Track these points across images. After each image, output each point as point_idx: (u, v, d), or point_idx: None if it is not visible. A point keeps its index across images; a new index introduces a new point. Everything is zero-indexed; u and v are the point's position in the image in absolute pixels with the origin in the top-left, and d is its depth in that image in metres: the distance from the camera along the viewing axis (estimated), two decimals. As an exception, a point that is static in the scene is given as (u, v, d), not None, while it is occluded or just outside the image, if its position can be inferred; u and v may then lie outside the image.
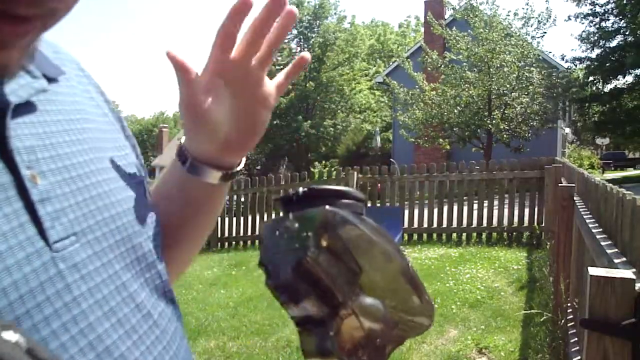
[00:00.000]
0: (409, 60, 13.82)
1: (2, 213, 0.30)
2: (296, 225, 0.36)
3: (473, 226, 5.83)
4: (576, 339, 2.12)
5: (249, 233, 6.93)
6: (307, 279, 0.34)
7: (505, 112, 12.63)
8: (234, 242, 6.99)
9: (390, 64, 22.11)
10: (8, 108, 0.33)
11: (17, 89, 0.35)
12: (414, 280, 0.38)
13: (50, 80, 0.39)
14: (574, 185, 3.09)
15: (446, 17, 16.59)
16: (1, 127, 0.32)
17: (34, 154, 0.34)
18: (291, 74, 0.51)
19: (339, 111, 24.90)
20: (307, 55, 0.50)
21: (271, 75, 0.49)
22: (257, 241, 6.83)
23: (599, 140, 23.86)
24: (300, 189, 0.37)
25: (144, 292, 0.40)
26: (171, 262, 0.48)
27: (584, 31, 17.48)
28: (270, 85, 0.49)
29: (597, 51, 17.07)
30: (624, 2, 15.76)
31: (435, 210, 5.97)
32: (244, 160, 0.54)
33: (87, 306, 0.34)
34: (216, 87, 0.46)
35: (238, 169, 0.53)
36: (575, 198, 2.82)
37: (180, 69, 0.45)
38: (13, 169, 0.32)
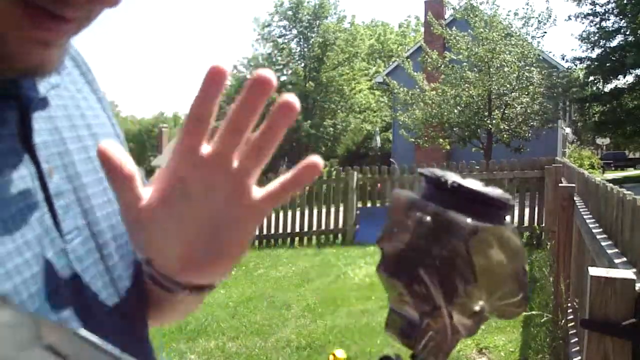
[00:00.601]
0: (409, 60, 13.82)
1: (26, 203, 0.32)
2: (434, 223, 0.34)
3: (473, 226, 5.82)
4: (576, 339, 2.12)
5: (249, 233, 6.93)
6: (420, 281, 0.34)
7: (506, 112, 12.64)
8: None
9: (390, 63, 22.10)
10: (32, 103, 0.35)
11: (37, 84, 0.36)
12: (523, 283, 0.37)
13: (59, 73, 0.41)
14: (574, 185, 3.09)
15: (446, 17, 16.59)
16: (27, 121, 0.34)
17: (49, 149, 0.36)
18: (288, 186, 0.37)
19: (338, 111, 24.91)
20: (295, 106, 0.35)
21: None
22: (256, 241, 6.83)
23: (599, 140, 23.87)
24: (450, 180, 0.34)
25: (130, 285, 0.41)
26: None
27: (584, 31, 17.49)
28: (258, 194, 0.37)
29: (597, 51, 17.08)
30: (625, 1, 15.77)
31: (436, 210, 5.96)
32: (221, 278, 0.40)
33: (88, 297, 0.36)
34: (174, 188, 0.34)
35: (213, 284, 0.40)
36: (575, 198, 2.82)
37: (115, 173, 0.34)
38: (35, 161, 0.34)
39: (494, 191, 0.34)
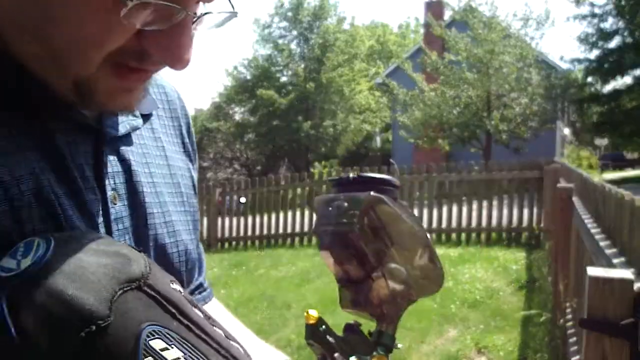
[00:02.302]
0: (408, 61, 13.83)
1: (93, 224, 0.39)
2: (346, 204, 0.44)
3: (472, 226, 5.84)
4: (575, 339, 2.13)
5: (249, 233, 6.93)
6: (351, 247, 0.44)
7: (504, 112, 12.65)
8: (234, 242, 6.99)
9: (390, 64, 22.10)
10: (107, 138, 0.42)
11: (117, 124, 0.44)
12: (431, 251, 0.49)
13: (145, 116, 0.48)
14: (572, 185, 3.10)
15: (446, 18, 16.60)
16: (100, 153, 0.41)
17: (118, 178, 0.43)
18: None
19: (338, 112, 24.89)
20: None
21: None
22: (257, 241, 6.83)
23: (597, 141, 23.87)
24: (351, 175, 0.47)
25: None
26: None
27: (582, 32, 17.53)
28: None
29: (595, 52, 17.09)
30: (623, 3, 15.79)
31: (435, 211, 5.98)
32: None
33: None
34: None
35: None
36: (574, 198, 2.83)
37: None
38: (102, 188, 0.41)
39: (385, 175, 0.47)
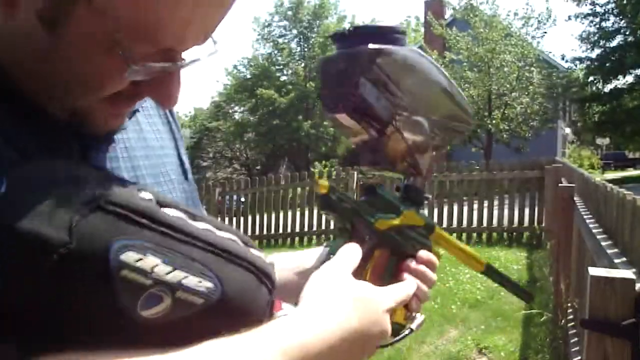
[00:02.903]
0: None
1: None
2: (344, 63, 0.41)
3: (473, 226, 5.83)
4: (576, 339, 2.12)
5: (249, 233, 6.93)
6: (358, 107, 0.41)
7: (505, 112, 12.64)
8: (234, 242, 6.98)
9: (390, 64, 21.98)
10: (94, 138, 0.42)
11: None
12: (452, 93, 0.45)
13: (132, 114, 0.48)
14: (574, 185, 3.09)
15: (446, 17, 16.59)
16: (87, 152, 0.42)
17: None
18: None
19: (339, 111, 24.87)
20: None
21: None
22: (257, 241, 6.82)
23: (599, 141, 23.85)
24: (347, 27, 0.43)
25: None
26: None
27: (584, 31, 17.49)
28: None
29: (597, 51, 17.07)
30: (624, 2, 15.76)
31: (435, 210, 5.97)
32: None
33: None
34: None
35: None
36: (575, 198, 2.82)
37: None
38: None
39: (385, 22, 0.42)
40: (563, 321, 2.56)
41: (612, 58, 16.52)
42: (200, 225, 0.34)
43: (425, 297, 0.49)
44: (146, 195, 0.33)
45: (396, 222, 0.46)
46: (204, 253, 0.33)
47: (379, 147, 0.44)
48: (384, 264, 0.46)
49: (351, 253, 0.44)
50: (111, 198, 0.30)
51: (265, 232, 6.83)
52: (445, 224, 5.95)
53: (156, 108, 0.54)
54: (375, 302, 0.41)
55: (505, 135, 12.35)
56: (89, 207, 0.29)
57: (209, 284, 0.32)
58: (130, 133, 0.48)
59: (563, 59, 17.89)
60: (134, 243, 0.30)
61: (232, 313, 0.33)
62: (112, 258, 0.29)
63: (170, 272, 0.30)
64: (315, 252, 0.58)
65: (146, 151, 0.49)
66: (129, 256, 0.29)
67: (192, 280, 0.31)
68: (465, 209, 5.85)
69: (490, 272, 0.52)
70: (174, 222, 0.32)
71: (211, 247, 0.33)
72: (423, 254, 0.49)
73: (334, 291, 0.39)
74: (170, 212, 0.33)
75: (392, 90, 0.41)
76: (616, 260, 1.43)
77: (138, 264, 0.29)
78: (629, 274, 1.09)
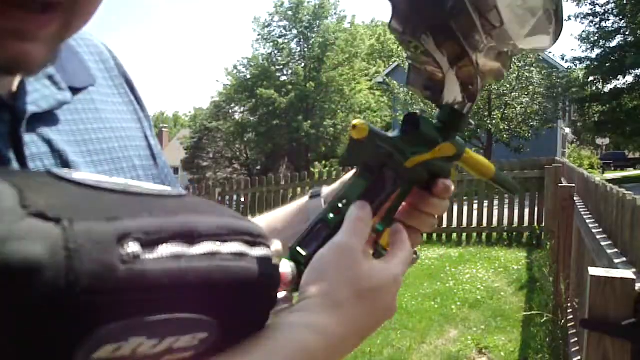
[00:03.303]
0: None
1: None
2: None
3: (473, 226, 5.83)
4: (576, 339, 2.12)
5: (249, 233, 6.93)
6: (445, 29, 0.37)
7: (505, 112, 12.64)
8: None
9: (390, 64, 22.09)
10: (24, 117, 0.35)
11: (39, 100, 0.37)
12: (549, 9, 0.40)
13: (78, 90, 0.42)
14: (574, 185, 3.09)
15: (446, 17, 16.56)
16: (18, 134, 0.35)
17: (46, 161, 0.37)
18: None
19: (339, 111, 24.89)
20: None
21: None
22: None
23: (599, 141, 23.85)
24: None
25: None
26: None
27: (584, 31, 17.48)
28: None
29: (597, 51, 17.07)
30: (624, 2, 15.76)
31: (435, 210, 5.96)
32: None
33: None
34: None
35: None
36: (575, 198, 2.82)
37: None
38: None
39: None
40: (563, 321, 2.56)
41: (612, 58, 16.52)
42: (201, 249, 0.26)
43: (430, 228, 0.45)
44: (129, 245, 0.22)
45: (428, 156, 0.41)
46: (198, 299, 0.25)
47: (436, 77, 0.40)
48: (399, 200, 0.42)
49: (362, 223, 0.38)
50: (74, 279, 0.20)
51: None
52: (445, 224, 5.95)
53: (116, 86, 0.48)
54: (385, 293, 0.37)
55: (505, 135, 12.35)
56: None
57: (204, 334, 0.26)
58: (83, 113, 0.41)
59: (563, 59, 17.93)
60: (109, 333, 0.22)
61: (233, 339, 0.29)
62: None
63: (158, 344, 0.24)
64: (290, 210, 0.53)
65: (103, 134, 0.43)
66: (104, 351, 0.22)
67: (183, 341, 0.25)
68: (465, 209, 5.84)
69: (497, 176, 0.49)
70: (167, 278, 0.23)
71: (210, 284, 0.26)
72: (441, 185, 0.43)
73: (339, 288, 0.35)
74: (165, 251, 0.24)
75: (492, 16, 0.37)
76: (616, 260, 1.43)
77: (117, 354, 0.22)
78: (628, 274, 1.09)
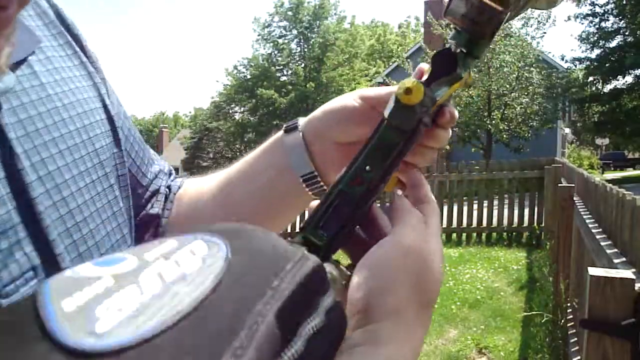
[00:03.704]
0: (408, 60, 13.83)
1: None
2: None
3: (473, 226, 5.83)
4: (576, 339, 2.12)
5: (249, 233, 6.93)
6: None
7: (505, 112, 12.64)
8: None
9: (390, 64, 22.08)
10: None
11: None
12: None
13: (22, 61, 0.35)
14: (573, 185, 3.09)
15: (446, 17, 16.57)
16: None
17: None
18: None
19: (338, 111, 24.89)
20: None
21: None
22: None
23: (598, 141, 23.86)
24: None
25: None
26: None
27: (583, 31, 17.50)
28: None
29: (596, 51, 17.08)
30: (624, 2, 15.77)
31: (435, 211, 5.97)
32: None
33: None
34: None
35: (318, 183, 0.47)
36: (575, 198, 2.82)
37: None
38: None
39: None
40: (562, 321, 2.57)
41: (612, 58, 16.53)
42: None
43: (430, 161, 0.41)
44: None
45: (449, 93, 0.37)
46: None
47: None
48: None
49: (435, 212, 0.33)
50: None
51: (265, 232, 6.83)
52: (444, 224, 5.95)
53: (61, 46, 0.39)
54: (436, 293, 0.31)
55: (505, 135, 12.35)
56: None
57: None
58: (23, 97, 0.33)
59: (563, 59, 17.90)
60: None
61: None
62: None
63: None
64: (266, 150, 0.47)
65: (57, 116, 0.35)
66: None
67: None
68: (465, 209, 5.85)
69: None
70: None
71: None
72: (448, 114, 0.38)
73: (410, 304, 0.28)
74: None
75: None
76: (615, 260, 1.43)
77: None
78: (628, 273, 1.09)
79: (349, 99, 0.44)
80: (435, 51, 0.38)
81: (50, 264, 0.32)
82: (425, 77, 0.37)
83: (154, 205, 0.50)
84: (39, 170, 0.33)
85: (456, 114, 0.40)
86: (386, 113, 0.34)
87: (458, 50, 0.37)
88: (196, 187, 0.53)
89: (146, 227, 0.49)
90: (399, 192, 0.35)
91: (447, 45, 0.38)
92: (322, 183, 0.46)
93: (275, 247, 0.21)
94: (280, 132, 0.47)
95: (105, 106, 0.42)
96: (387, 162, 0.33)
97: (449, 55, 0.37)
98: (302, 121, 0.47)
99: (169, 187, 0.52)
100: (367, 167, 0.33)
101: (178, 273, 0.18)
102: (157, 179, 0.51)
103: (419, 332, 0.29)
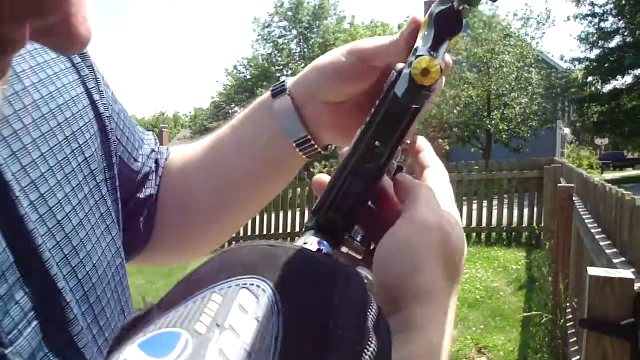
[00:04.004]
0: (408, 60, 13.83)
1: None
2: None
3: (472, 226, 5.83)
4: (575, 339, 2.13)
5: (249, 233, 6.93)
6: None
7: (505, 112, 12.65)
8: (234, 242, 6.96)
9: (390, 64, 22.03)
10: None
11: None
12: None
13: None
14: (573, 185, 3.10)
15: (446, 17, 16.58)
16: None
17: None
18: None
19: (338, 111, 24.92)
20: None
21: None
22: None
23: (598, 141, 23.87)
24: None
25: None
26: (225, 219, 0.48)
27: (583, 32, 17.53)
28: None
29: (596, 52, 17.10)
30: (623, 2, 15.78)
31: (435, 211, 5.97)
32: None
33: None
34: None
35: (315, 149, 0.46)
36: (574, 198, 2.83)
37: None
38: None
39: None
40: (562, 321, 2.57)
41: (611, 59, 16.55)
42: None
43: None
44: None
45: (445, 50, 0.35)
46: None
47: None
48: None
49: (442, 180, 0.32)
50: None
51: (265, 232, 6.83)
52: (444, 224, 5.96)
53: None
54: (461, 264, 0.30)
55: (504, 136, 12.36)
56: None
57: None
58: (4, 95, 0.30)
59: (562, 59, 17.94)
60: None
61: None
62: None
63: None
64: (253, 115, 0.45)
65: (44, 125, 0.32)
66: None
67: None
68: (465, 209, 5.85)
69: None
70: None
71: None
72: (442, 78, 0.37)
73: (440, 281, 0.28)
74: None
75: None
76: (615, 260, 1.43)
77: None
78: (627, 273, 1.09)
79: (338, 55, 0.41)
80: (435, 8, 0.35)
81: (52, 299, 0.29)
82: (429, 41, 0.34)
83: (146, 187, 0.48)
84: (29, 195, 0.29)
85: (451, 60, 0.38)
86: (399, 92, 0.32)
87: (461, 8, 0.34)
88: (183, 157, 0.52)
89: (141, 209, 0.48)
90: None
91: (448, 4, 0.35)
92: (316, 146, 0.45)
93: (317, 282, 0.20)
94: (267, 96, 0.44)
95: (93, 102, 0.39)
96: (396, 136, 0.32)
97: (454, 14, 0.34)
98: (289, 82, 0.44)
99: (156, 161, 0.50)
100: (377, 143, 0.32)
101: (240, 350, 0.16)
102: (149, 159, 0.49)
103: (451, 308, 0.28)
